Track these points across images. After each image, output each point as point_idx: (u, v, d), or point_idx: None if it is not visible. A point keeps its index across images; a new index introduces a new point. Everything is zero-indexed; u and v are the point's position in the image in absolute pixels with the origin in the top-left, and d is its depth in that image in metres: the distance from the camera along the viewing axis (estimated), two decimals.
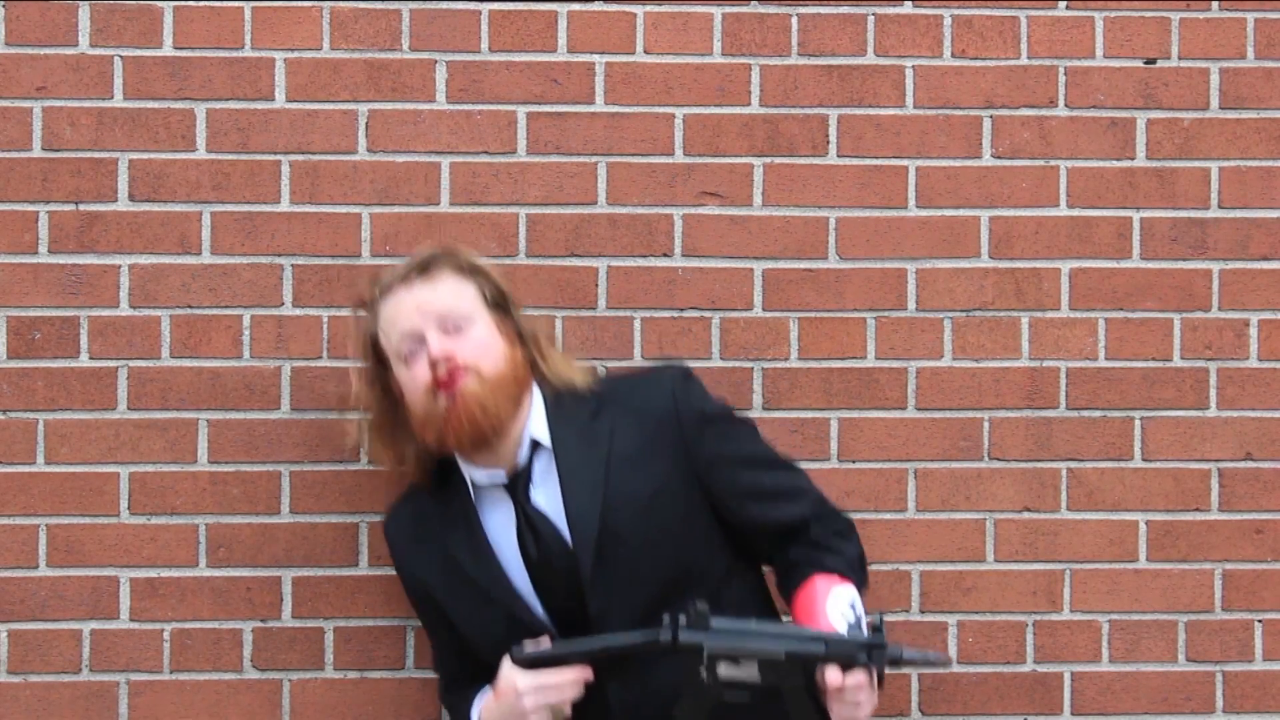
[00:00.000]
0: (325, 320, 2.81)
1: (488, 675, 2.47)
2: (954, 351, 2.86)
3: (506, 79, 2.84)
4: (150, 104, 2.81)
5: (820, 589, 2.39)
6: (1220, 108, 2.90)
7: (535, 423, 2.50)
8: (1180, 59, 2.90)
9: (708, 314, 2.85)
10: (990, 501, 2.86)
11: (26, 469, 2.79)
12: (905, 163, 2.87)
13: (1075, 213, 2.88)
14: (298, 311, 2.82)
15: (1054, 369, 2.87)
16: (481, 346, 2.46)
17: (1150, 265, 2.89)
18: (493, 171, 2.84)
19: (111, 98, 2.81)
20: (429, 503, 2.57)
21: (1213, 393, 2.88)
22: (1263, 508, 2.88)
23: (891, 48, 2.88)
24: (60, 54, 2.81)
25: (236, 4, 2.82)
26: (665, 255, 2.84)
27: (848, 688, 2.27)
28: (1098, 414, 2.87)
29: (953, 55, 2.88)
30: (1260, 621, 2.88)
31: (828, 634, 2.28)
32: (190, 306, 2.81)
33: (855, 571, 2.48)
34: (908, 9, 2.88)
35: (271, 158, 2.82)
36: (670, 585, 2.43)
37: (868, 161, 2.87)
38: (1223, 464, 2.88)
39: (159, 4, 2.82)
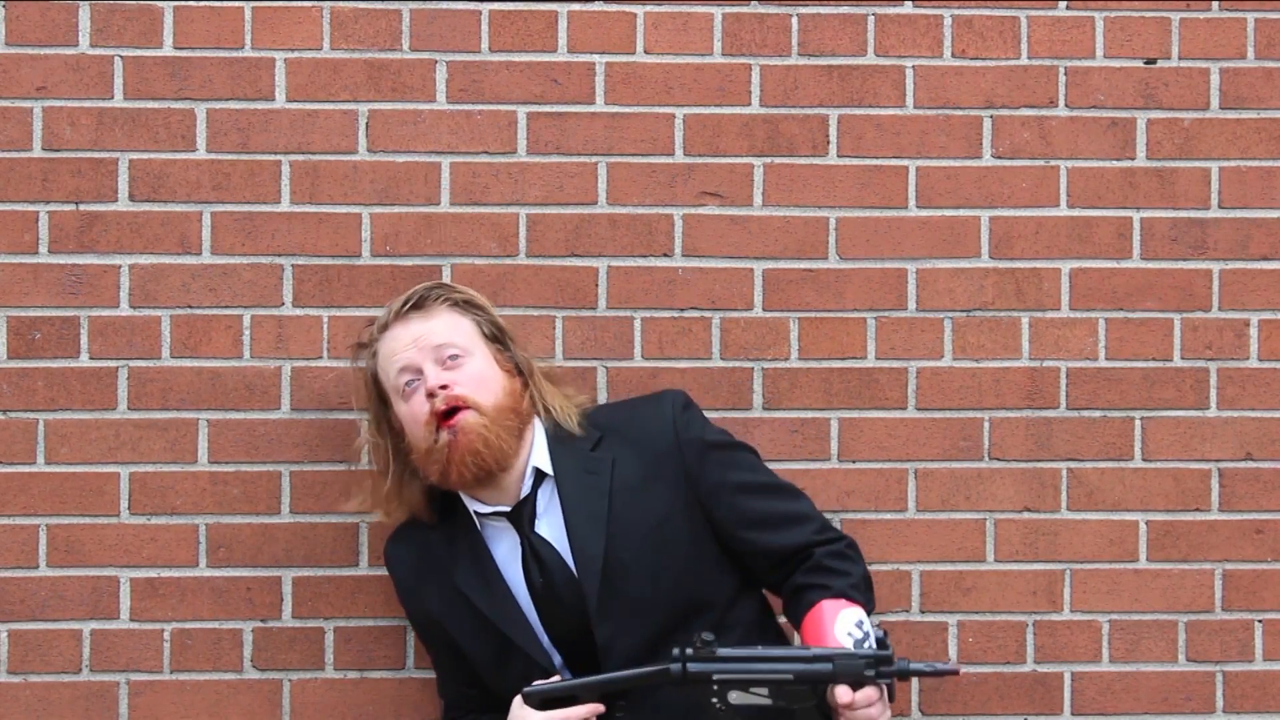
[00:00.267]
0: (325, 320, 2.81)
1: (492, 702, 2.48)
2: (954, 351, 2.86)
3: (506, 79, 2.84)
4: (150, 104, 2.81)
5: (828, 612, 2.40)
6: (1220, 108, 2.90)
7: (538, 454, 2.51)
8: (1180, 59, 2.90)
9: (708, 314, 2.85)
10: (990, 501, 2.86)
11: (26, 469, 2.79)
12: (905, 163, 2.87)
13: (1075, 213, 2.88)
14: (298, 311, 2.82)
15: (1054, 369, 2.87)
16: (479, 378, 2.48)
17: (1150, 265, 2.89)
18: (493, 171, 2.84)
19: (111, 98, 2.81)
20: (432, 535, 2.58)
21: (1213, 393, 2.88)
22: (1263, 508, 2.88)
23: (891, 48, 2.88)
24: (60, 54, 2.81)
25: (236, 4, 2.82)
26: (665, 255, 2.84)
27: (858, 704, 2.27)
28: (1098, 414, 2.87)
29: (953, 55, 2.88)
30: (1260, 621, 2.88)
31: (834, 652, 2.29)
32: (190, 306, 2.81)
33: (862, 593, 2.49)
34: (908, 9, 2.88)
35: (271, 158, 2.82)
36: (676, 612, 2.45)
37: (868, 161, 2.87)
38: (1223, 464, 2.88)
39: (159, 4, 2.82)
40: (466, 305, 2.55)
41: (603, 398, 2.82)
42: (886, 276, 2.86)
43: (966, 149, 2.88)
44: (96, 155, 2.80)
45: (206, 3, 2.82)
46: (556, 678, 2.43)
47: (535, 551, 2.48)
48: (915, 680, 2.85)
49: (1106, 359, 2.88)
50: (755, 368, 2.85)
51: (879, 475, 2.85)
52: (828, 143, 2.87)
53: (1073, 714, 2.86)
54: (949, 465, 2.86)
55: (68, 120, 2.80)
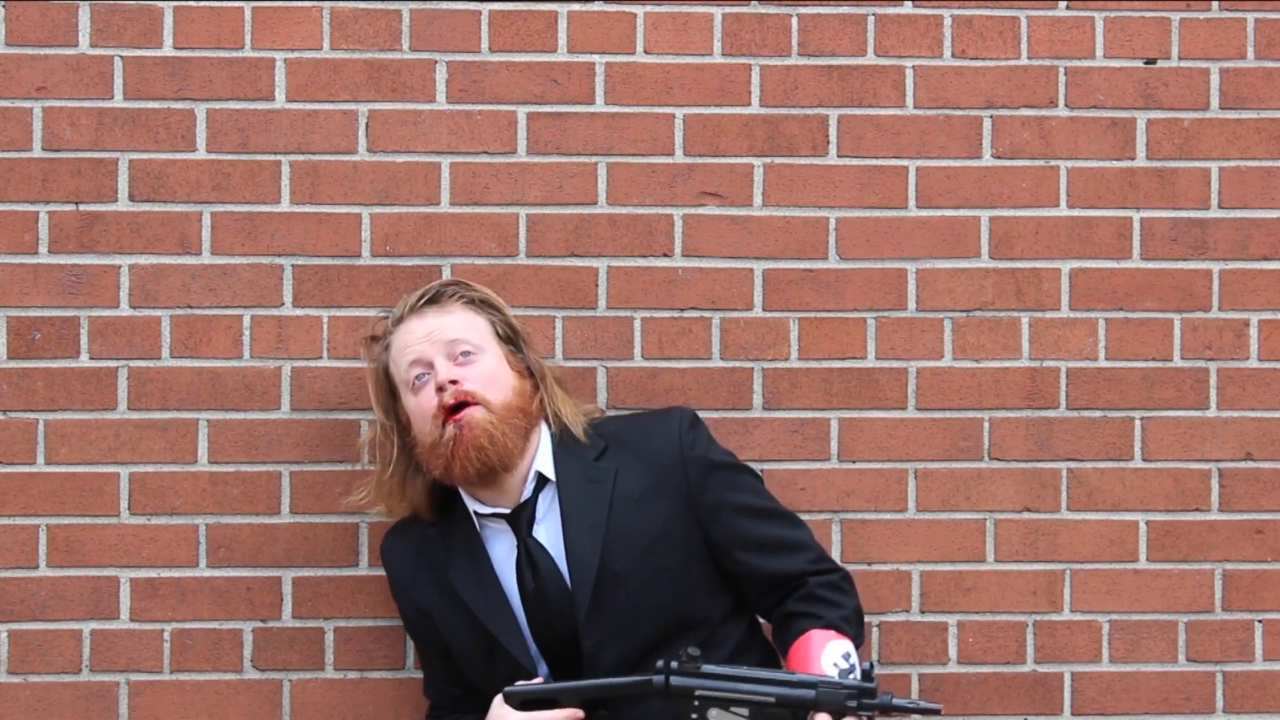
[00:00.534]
0: (325, 320, 2.81)
1: (477, 704, 2.49)
2: (954, 351, 2.86)
3: (506, 79, 2.84)
4: (150, 104, 2.81)
5: (816, 642, 2.41)
6: (1220, 108, 2.90)
7: (541, 458, 2.51)
8: (1180, 59, 2.90)
9: (708, 314, 2.85)
10: (990, 501, 2.86)
11: (26, 469, 2.79)
12: (905, 163, 2.87)
13: (1075, 213, 2.88)
14: (298, 311, 2.82)
15: (1054, 369, 2.87)
16: (490, 377, 2.48)
17: (1150, 265, 2.89)
18: (493, 171, 2.84)
19: (111, 98, 2.81)
20: (430, 531, 2.58)
21: (1213, 393, 2.88)
22: (1263, 508, 2.88)
23: (891, 48, 2.88)
24: (60, 54, 2.81)
25: (236, 4, 2.82)
26: (665, 255, 2.84)
27: None
28: (1098, 414, 2.87)
29: (953, 55, 2.88)
30: (1260, 621, 2.88)
31: (819, 679, 2.29)
32: (190, 306, 2.81)
33: (852, 626, 2.49)
34: (908, 9, 2.88)
35: (271, 158, 2.82)
36: (666, 628, 2.45)
37: (868, 161, 2.87)
38: (1223, 464, 2.88)
39: (159, 4, 2.82)
40: (482, 304, 2.55)
41: (603, 398, 2.82)
42: (886, 276, 2.86)
43: (966, 149, 2.88)
44: (96, 155, 2.80)
45: (206, 3, 2.82)
46: (539, 680, 2.44)
47: (530, 556, 2.48)
48: (915, 678, 2.84)
49: (1106, 359, 2.88)
50: (755, 368, 2.85)
51: (879, 475, 2.85)
52: (828, 143, 2.87)
53: (1073, 714, 2.86)
54: (949, 465, 2.86)
55: (68, 120, 2.80)
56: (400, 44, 2.84)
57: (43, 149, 2.80)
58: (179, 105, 2.82)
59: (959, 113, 2.88)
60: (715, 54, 2.86)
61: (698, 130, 2.85)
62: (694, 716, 2.28)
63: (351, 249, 2.82)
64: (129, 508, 2.79)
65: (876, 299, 2.86)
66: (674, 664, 2.28)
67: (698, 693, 2.28)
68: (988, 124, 2.88)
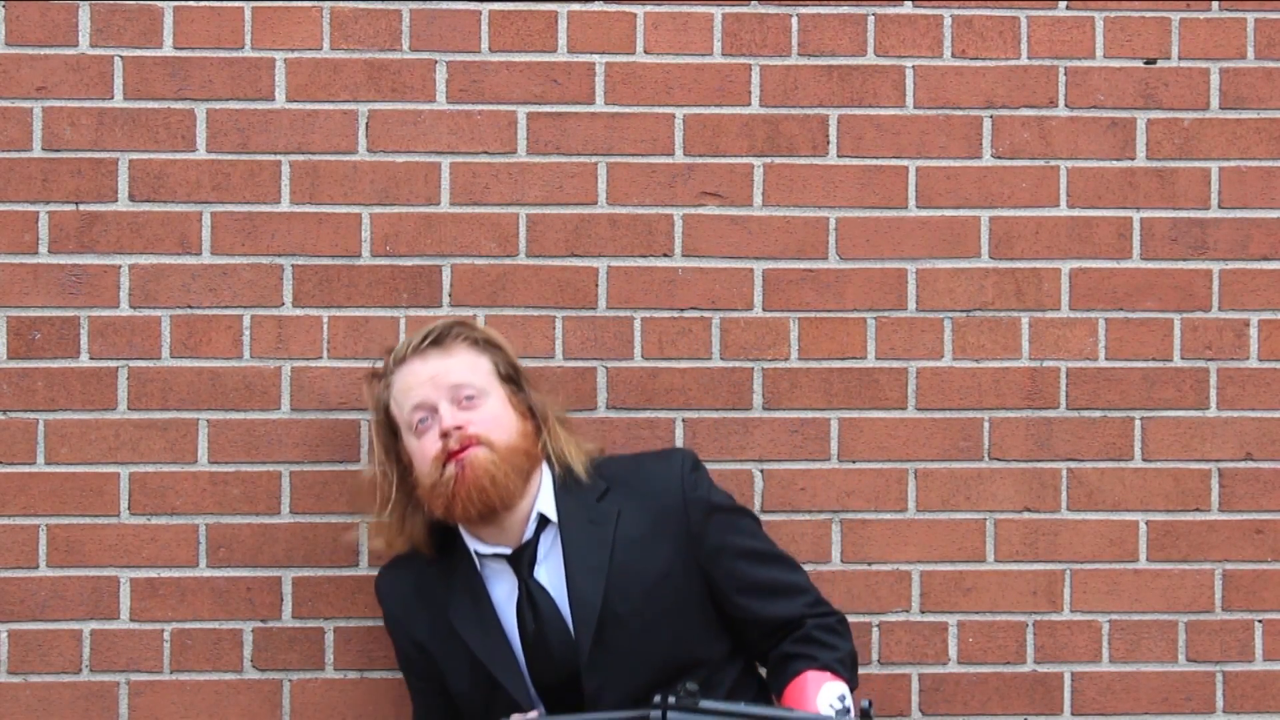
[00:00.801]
0: (325, 320, 2.81)
1: None
2: (954, 351, 2.86)
3: (506, 79, 2.84)
4: (150, 104, 2.81)
5: (812, 683, 2.41)
6: (1220, 108, 2.90)
7: (543, 499, 2.51)
8: (1180, 59, 2.90)
9: (708, 314, 2.85)
10: (990, 501, 2.86)
11: (26, 469, 2.79)
12: (905, 163, 2.87)
13: (1075, 213, 2.88)
14: (298, 311, 2.82)
15: (1054, 369, 2.87)
16: (494, 419, 2.47)
17: (1150, 265, 2.89)
18: (493, 171, 2.84)
19: (111, 98, 2.81)
20: (429, 568, 2.57)
21: (1213, 393, 2.88)
22: (1263, 508, 2.88)
23: (891, 48, 2.88)
24: (60, 54, 2.81)
25: (236, 4, 2.82)
26: (665, 255, 2.84)
27: None
28: (1098, 414, 2.87)
29: (953, 55, 2.88)
30: (1260, 621, 2.88)
31: (817, 718, 2.28)
32: (190, 306, 2.81)
33: (847, 669, 2.50)
34: (908, 9, 2.88)
35: (271, 158, 2.82)
36: (667, 670, 2.45)
37: (868, 161, 2.87)
38: (1223, 464, 2.88)
39: (159, 4, 2.82)
40: (485, 344, 2.54)
41: (603, 398, 2.82)
42: (886, 276, 2.86)
43: (966, 149, 2.88)
44: (96, 155, 2.80)
45: (206, 3, 2.82)
46: (535, 715, 2.43)
47: (532, 597, 2.48)
48: (915, 679, 2.85)
49: (1106, 359, 2.88)
50: (755, 368, 2.85)
51: (879, 475, 2.85)
52: (828, 143, 2.87)
53: (1073, 714, 2.86)
54: (949, 465, 2.86)
55: (68, 120, 2.80)
56: (400, 44, 2.84)
57: (43, 149, 2.80)
58: (179, 105, 2.82)
59: (959, 113, 2.88)
60: (715, 54, 2.86)
61: (698, 130, 2.85)
62: None
63: (351, 249, 2.82)
64: (129, 508, 2.79)
65: (876, 299, 2.86)
66: (672, 699, 2.27)
67: None
68: (988, 124, 2.88)
